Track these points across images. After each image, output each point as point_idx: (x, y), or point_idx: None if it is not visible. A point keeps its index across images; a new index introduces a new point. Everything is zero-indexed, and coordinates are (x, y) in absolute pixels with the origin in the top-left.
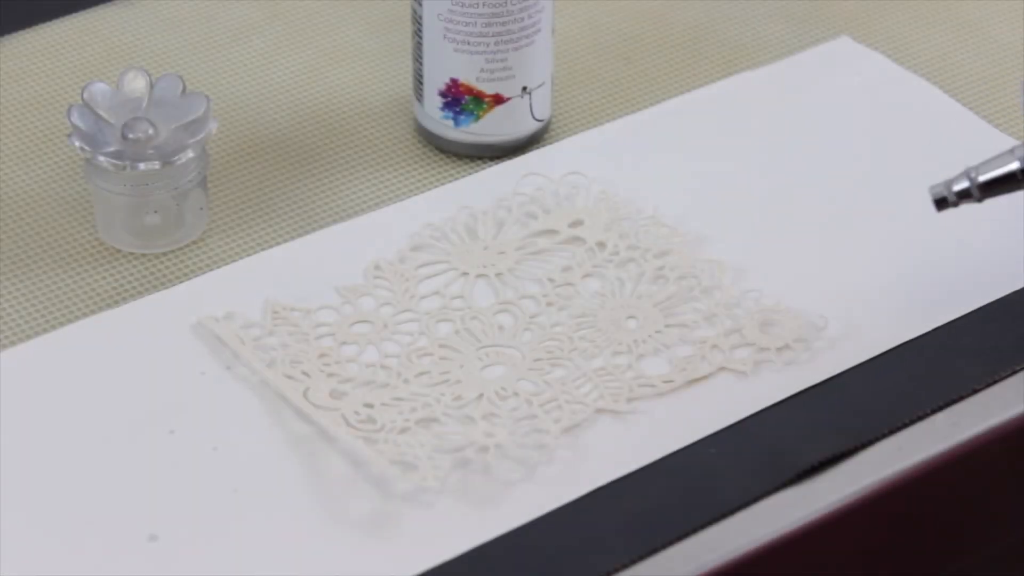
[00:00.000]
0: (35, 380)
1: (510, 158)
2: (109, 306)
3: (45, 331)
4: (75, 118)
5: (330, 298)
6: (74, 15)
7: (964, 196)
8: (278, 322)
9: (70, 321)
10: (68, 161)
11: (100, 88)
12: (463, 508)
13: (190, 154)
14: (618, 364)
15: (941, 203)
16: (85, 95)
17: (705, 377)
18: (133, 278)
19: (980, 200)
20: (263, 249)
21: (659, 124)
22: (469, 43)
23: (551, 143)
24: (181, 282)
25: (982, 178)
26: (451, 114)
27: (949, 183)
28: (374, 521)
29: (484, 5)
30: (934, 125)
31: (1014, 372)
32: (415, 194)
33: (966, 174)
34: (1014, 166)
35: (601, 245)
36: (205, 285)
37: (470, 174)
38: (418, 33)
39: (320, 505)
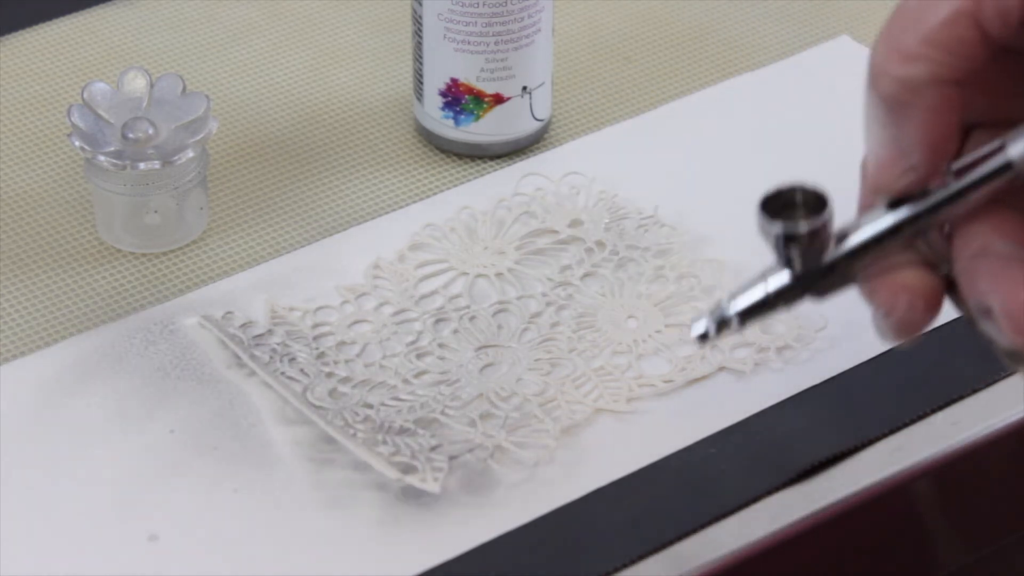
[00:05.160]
0: (35, 382)
1: (511, 158)
2: (109, 306)
3: (45, 331)
4: (75, 118)
5: (330, 298)
6: (74, 15)
7: (724, 327)
8: (278, 322)
9: (70, 321)
10: (68, 161)
11: (100, 88)
12: (463, 508)
13: (190, 154)
14: (618, 364)
15: (703, 338)
16: (85, 95)
17: (705, 377)
18: (133, 278)
19: (740, 329)
20: (263, 249)
21: (659, 124)
22: (469, 43)
23: (551, 143)
24: (181, 282)
25: (733, 310)
26: (451, 114)
27: (709, 317)
28: (374, 521)
29: (484, 5)
30: None
31: (1014, 372)
32: (415, 194)
33: (719, 308)
34: (762, 294)
35: (601, 245)
36: (205, 285)
37: (470, 175)
38: (418, 33)
39: (320, 505)
